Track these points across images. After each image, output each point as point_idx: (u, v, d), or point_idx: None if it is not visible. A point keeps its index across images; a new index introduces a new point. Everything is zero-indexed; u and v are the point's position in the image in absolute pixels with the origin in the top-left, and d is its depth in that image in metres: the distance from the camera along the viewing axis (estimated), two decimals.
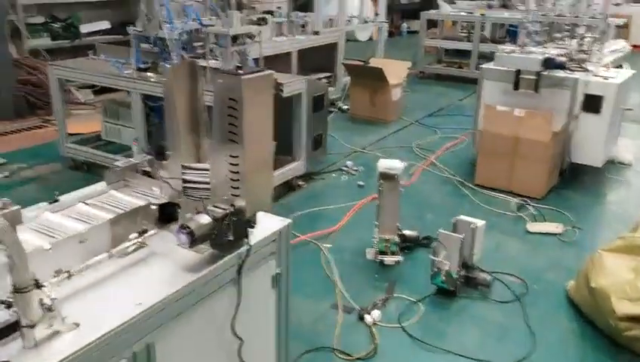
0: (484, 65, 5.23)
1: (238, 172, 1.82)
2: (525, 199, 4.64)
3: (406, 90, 7.43)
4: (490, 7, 9.36)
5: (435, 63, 9.78)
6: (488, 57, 8.90)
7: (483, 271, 3.45)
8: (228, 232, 1.87)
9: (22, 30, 7.07)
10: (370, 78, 6.80)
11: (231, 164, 1.81)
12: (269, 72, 1.82)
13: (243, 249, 1.94)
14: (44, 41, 7.43)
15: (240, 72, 1.74)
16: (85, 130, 5.82)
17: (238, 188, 1.84)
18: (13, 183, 4.92)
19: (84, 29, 7.80)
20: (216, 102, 1.78)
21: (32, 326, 1.45)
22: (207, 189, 1.92)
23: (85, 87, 7.04)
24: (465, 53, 9.32)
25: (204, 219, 1.81)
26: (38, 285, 1.54)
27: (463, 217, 3.41)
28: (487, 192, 4.83)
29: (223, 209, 1.86)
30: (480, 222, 3.39)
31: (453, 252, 3.24)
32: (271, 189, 1.99)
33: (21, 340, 1.45)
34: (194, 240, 1.77)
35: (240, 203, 1.86)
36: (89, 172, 5.05)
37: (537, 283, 3.55)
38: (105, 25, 8.01)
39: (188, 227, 1.77)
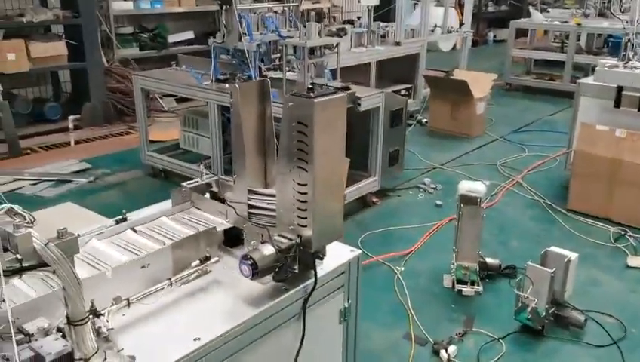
0: (581, 80, 4.83)
1: (305, 201, 1.68)
2: (625, 228, 4.20)
3: (490, 104, 7.06)
4: (586, 15, 8.74)
5: (523, 75, 9.26)
6: (583, 69, 8.39)
7: (575, 309, 3.11)
8: (293, 264, 1.74)
9: (113, 40, 7.38)
10: (453, 91, 6.51)
11: (298, 192, 1.68)
12: (343, 94, 1.67)
13: (309, 282, 1.80)
14: (133, 51, 7.71)
15: (312, 94, 1.60)
16: (166, 138, 5.96)
17: (305, 217, 1.70)
18: (97, 188, 5.10)
19: (171, 39, 8.04)
20: (285, 124, 1.66)
21: (87, 360, 1.37)
22: (273, 216, 1.80)
23: (169, 95, 7.25)
24: (556, 64, 8.76)
25: (268, 250, 1.69)
26: (95, 313, 1.48)
27: (554, 249, 3.09)
28: (581, 219, 4.42)
29: (289, 239, 1.74)
30: (573, 255, 3.06)
31: (541, 287, 2.94)
32: (341, 219, 1.84)
33: None
34: (256, 273, 1.65)
35: (307, 233, 1.72)
36: (166, 180, 5.14)
37: (637, 326, 3.17)
38: (189, 35, 8.22)
39: (251, 258, 1.66)
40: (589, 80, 4.77)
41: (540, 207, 4.70)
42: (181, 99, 7.27)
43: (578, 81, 4.93)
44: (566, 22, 8.60)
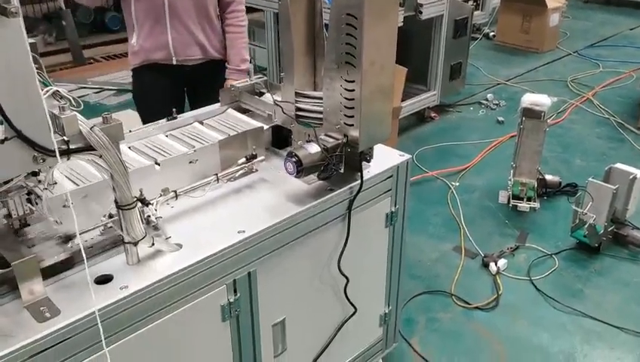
0: None
1: (353, 98, 1.62)
2: None
3: (566, 16, 6.55)
4: None
5: None
6: None
7: (636, 228, 2.98)
8: (339, 164, 1.72)
9: None
10: (525, 1, 6.06)
11: (346, 89, 1.62)
12: None
13: (355, 183, 1.78)
14: None
15: None
16: None
17: (352, 116, 1.65)
18: None
19: None
20: (333, 18, 1.58)
21: (135, 244, 1.43)
22: (321, 119, 1.76)
23: None
24: None
25: (313, 148, 1.66)
26: (144, 202, 1.52)
27: (619, 165, 2.93)
28: None
29: (335, 139, 1.70)
30: None
31: (601, 204, 2.81)
32: (389, 121, 1.77)
33: (124, 256, 1.45)
34: (300, 170, 1.64)
35: (354, 133, 1.68)
36: None
37: None
38: None
39: (296, 155, 1.64)
40: None
41: (609, 125, 4.44)
42: None
43: None
44: None
